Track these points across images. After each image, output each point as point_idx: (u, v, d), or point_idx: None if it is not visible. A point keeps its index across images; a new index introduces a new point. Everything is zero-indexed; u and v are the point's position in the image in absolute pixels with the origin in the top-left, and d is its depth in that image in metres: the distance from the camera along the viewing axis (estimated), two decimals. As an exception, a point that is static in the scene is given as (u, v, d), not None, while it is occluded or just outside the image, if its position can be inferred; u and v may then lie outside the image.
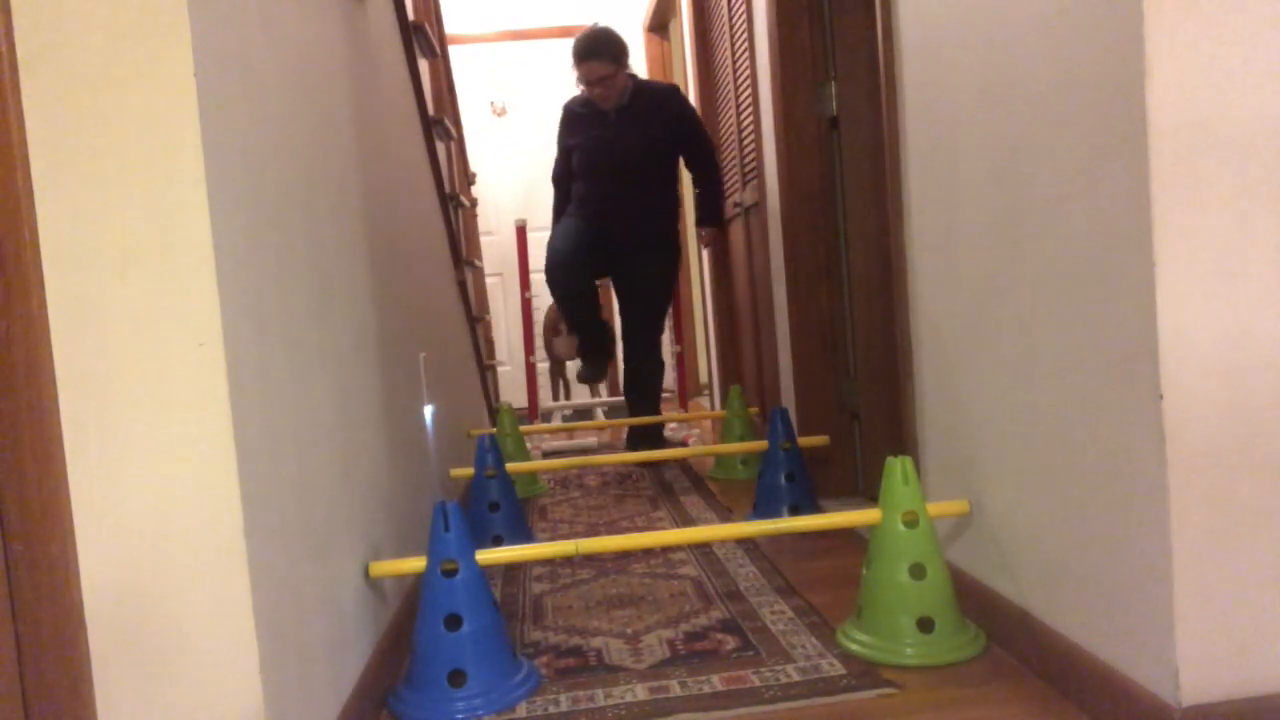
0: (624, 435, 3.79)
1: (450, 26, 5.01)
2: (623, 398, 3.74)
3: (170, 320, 1.02)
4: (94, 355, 1.01)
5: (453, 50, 4.86)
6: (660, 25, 5.63)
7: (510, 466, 2.66)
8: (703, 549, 2.33)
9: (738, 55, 3.39)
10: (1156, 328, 1.11)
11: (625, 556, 2.31)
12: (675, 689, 1.51)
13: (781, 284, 2.87)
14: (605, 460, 3.09)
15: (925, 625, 1.55)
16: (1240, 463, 1.13)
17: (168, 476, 1.02)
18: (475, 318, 4.02)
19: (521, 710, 1.49)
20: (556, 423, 4.50)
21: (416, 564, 1.60)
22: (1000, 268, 1.49)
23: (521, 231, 4.34)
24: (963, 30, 1.54)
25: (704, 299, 4.63)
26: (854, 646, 1.60)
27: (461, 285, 3.72)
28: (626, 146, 3.38)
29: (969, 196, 1.57)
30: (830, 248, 2.68)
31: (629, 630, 1.80)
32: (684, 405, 4.40)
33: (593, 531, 2.63)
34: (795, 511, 2.44)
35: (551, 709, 1.48)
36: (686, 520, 2.67)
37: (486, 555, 1.61)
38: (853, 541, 2.28)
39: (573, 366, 4.62)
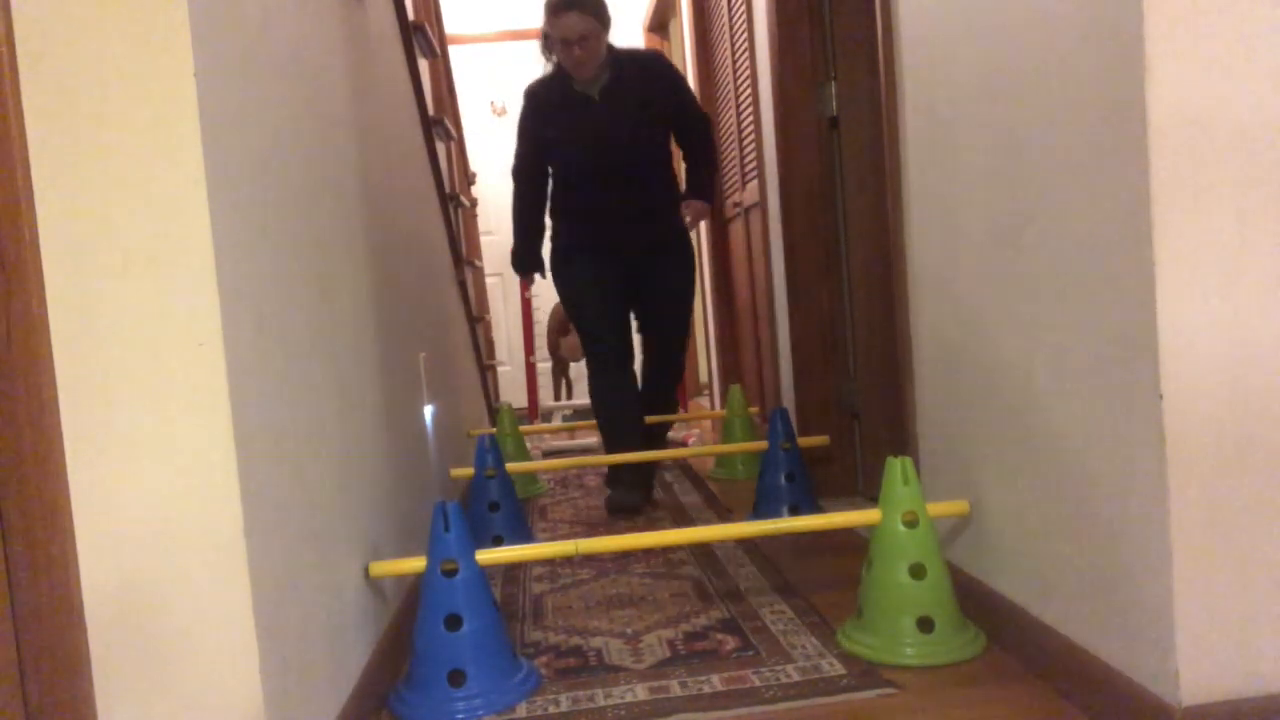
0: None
1: (450, 26, 5.01)
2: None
3: (170, 320, 1.02)
4: (94, 355, 1.01)
5: (453, 50, 4.86)
6: (660, 25, 5.64)
7: (510, 466, 2.66)
8: (703, 549, 2.33)
9: (738, 55, 3.39)
10: (1156, 328, 1.11)
11: (625, 556, 2.31)
12: (675, 689, 1.51)
13: (781, 284, 2.87)
14: (605, 460, 3.09)
15: (925, 625, 1.55)
16: (1240, 462, 1.13)
17: (168, 476, 1.02)
18: (475, 318, 4.02)
19: (521, 710, 1.49)
20: (557, 422, 4.50)
21: (416, 564, 1.60)
22: (1000, 268, 1.49)
23: (522, 231, 4.33)
24: (963, 30, 1.54)
25: (704, 299, 4.63)
26: (854, 646, 1.60)
27: (461, 285, 3.72)
28: (621, 135, 2.80)
29: (969, 196, 1.57)
30: (830, 248, 2.68)
31: (629, 630, 1.80)
32: (684, 405, 4.40)
33: (593, 531, 2.63)
34: (795, 511, 2.44)
35: (551, 709, 1.48)
36: (686, 520, 2.67)
37: (486, 555, 1.61)
38: (853, 541, 2.28)
39: (577, 369, 4.48)
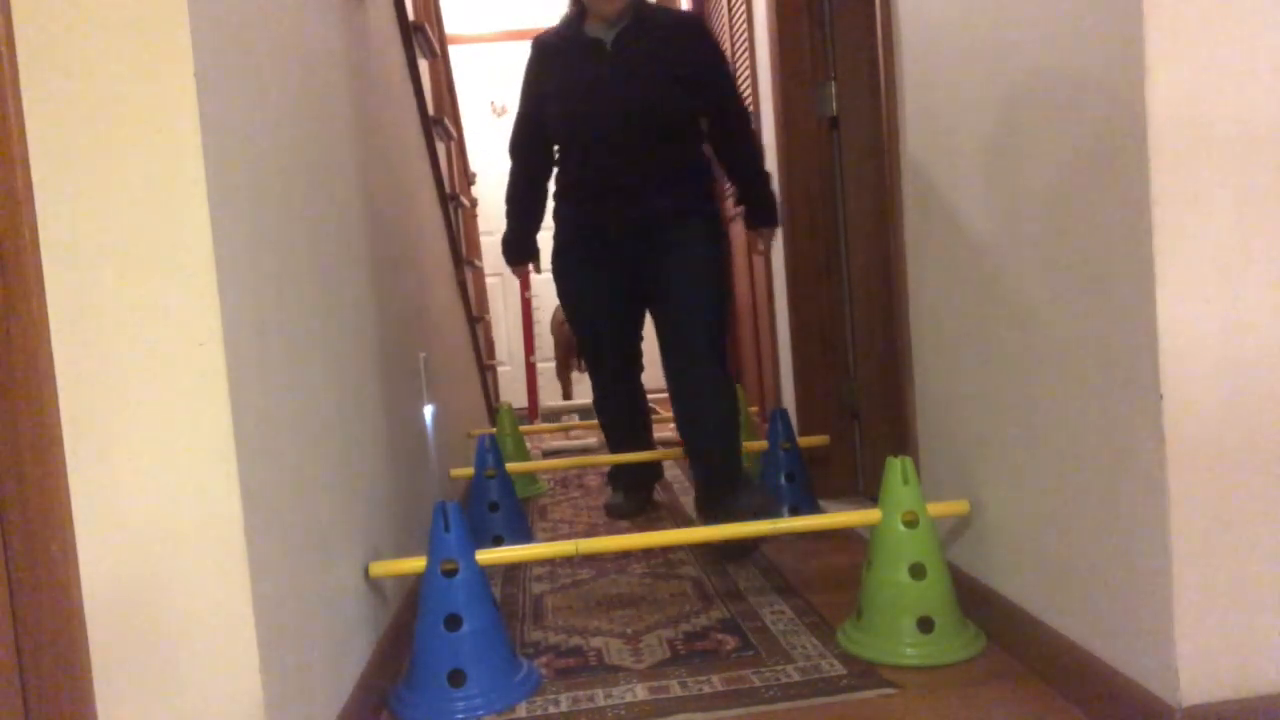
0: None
1: (450, 26, 5.01)
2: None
3: (170, 320, 1.02)
4: (94, 355, 1.01)
5: (453, 50, 4.86)
6: (660, 25, 5.62)
7: (510, 466, 2.66)
8: (702, 549, 2.32)
9: (738, 55, 3.39)
10: (1156, 328, 1.11)
11: (625, 556, 2.31)
12: (675, 689, 1.51)
13: (781, 284, 2.87)
14: (605, 460, 3.09)
15: (925, 625, 1.55)
16: (1240, 462, 1.13)
17: (168, 476, 1.02)
18: (475, 318, 4.02)
19: (521, 710, 1.49)
20: (559, 423, 4.50)
21: (416, 564, 1.60)
22: (1000, 268, 1.49)
23: (521, 231, 4.32)
24: (963, 30, 1.54)
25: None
26: (854, 647, 1.60)
27: (461, 285, 3.72)
28: (632, 92, 2.27)
29: (968, 196, 1.57)
30: (830, 248, 2.68)
31: (629, 630, 1.80)
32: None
33: (593, 531, 2.63)
34: (795, 512, 2.44)
35: (551, 709, 1.48)
36: (686, 520, 2.67)
37: (486, 555, 1.61)
38: (853, 541, 2.28)
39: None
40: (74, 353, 1.00)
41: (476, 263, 4.61)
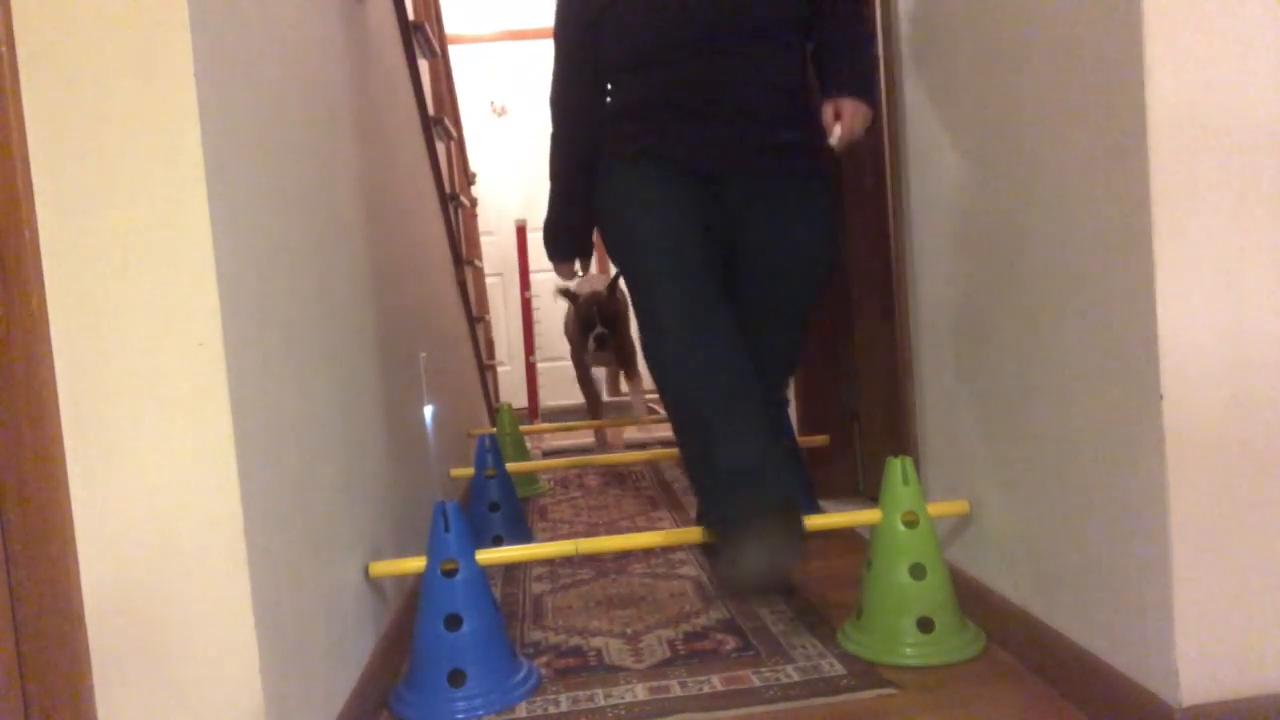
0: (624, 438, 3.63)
1: (450, 26, 5.01)
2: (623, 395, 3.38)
3: (170, 320, 1.02)
4: (94, 355, 1.01)
5: (453, 50, 4.86)
6: (660, 25, 5.62)
7: (510, 466, 2.66)
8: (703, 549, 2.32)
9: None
10: (1156, 328, 1.11)
11: (625, 556, 2.31)
12: (675, 689, 1.51)
13: (781, 284, 2.87)
14: (605, 460, 3.09)
15: (925, 625, 1.55)
16: (1240, 463, 1.13)
17: (168, 476, 1.02)
18: (475, 318, 4.02)
19: (521, 710, 1.49)
20: (559, 423, 4.49)
21: (416, 564, 1.60)
22: (1000, 268, 1.49)
23: (521, 231, 4.33)
24: (962, 28, 1.54)
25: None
26: (854, 647, 1.60)
27: (461, 285, 3.72)
28: None
29: (969, 197, 1.57)
30: (830, 248, 2.67)
31: (629, 630, 1.80)
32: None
33: (593, 531, 2.63)
34: (795, 511, 2.43)
35: (551, 709, 1.48)
36: (686, 520, 2.67)
37: (486, 555, 1.61)
38: (853, 541, 2.28)
39: (599, 373, 3.99)
40: (74, 353, 1.00)
41: (476, 263, 4.61)
